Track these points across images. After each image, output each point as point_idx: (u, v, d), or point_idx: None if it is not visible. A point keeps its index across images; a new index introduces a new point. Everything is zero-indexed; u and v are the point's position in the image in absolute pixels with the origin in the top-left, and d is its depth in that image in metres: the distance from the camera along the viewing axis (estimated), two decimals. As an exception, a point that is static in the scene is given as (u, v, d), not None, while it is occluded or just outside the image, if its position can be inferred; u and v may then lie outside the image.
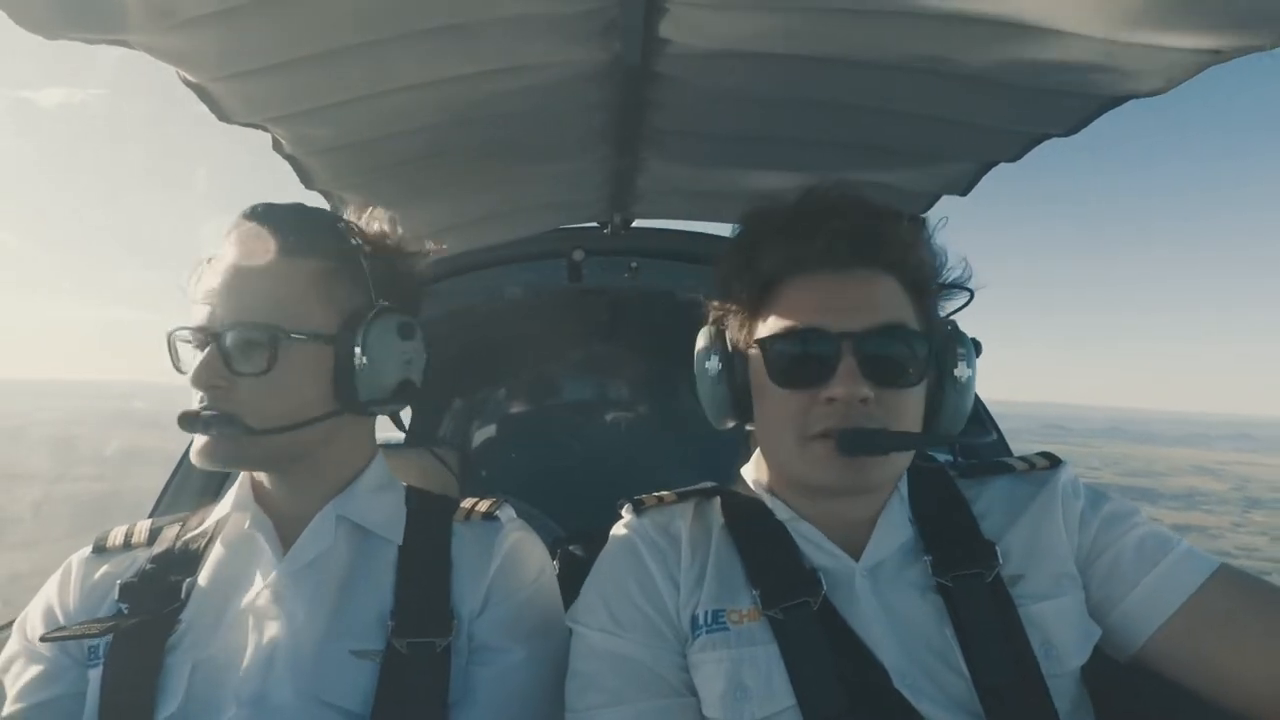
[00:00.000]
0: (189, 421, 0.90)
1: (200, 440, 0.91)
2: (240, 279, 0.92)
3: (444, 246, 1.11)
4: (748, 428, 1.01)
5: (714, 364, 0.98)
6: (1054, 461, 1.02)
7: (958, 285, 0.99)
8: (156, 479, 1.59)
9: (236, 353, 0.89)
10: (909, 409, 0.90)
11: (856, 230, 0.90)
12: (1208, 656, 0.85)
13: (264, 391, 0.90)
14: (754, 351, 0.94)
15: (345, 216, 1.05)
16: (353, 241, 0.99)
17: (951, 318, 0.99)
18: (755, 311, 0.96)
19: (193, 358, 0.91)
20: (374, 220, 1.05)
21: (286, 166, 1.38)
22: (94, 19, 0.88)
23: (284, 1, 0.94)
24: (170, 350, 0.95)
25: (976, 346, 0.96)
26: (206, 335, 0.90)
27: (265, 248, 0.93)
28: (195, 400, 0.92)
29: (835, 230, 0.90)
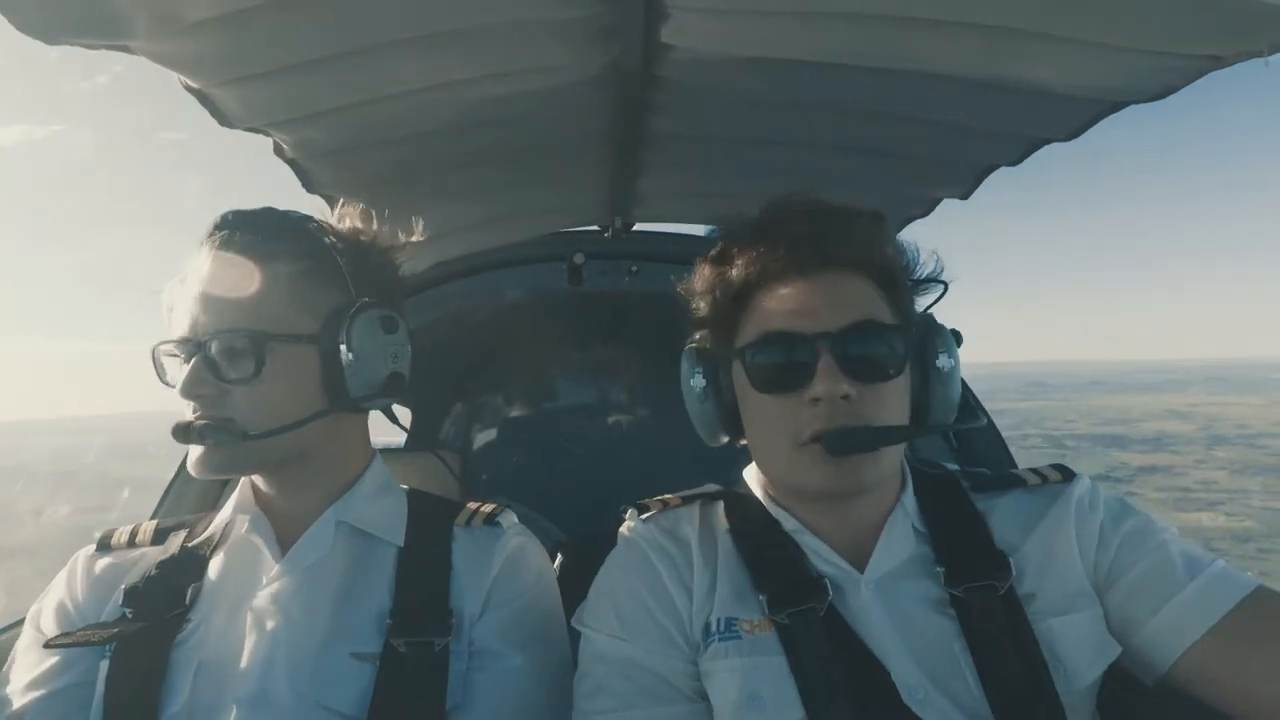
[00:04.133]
0: (183, 432, 0.91)
1: (196, 450, 0.92)
2: (219, 287, 0.92)
3: (421, 237, 1.11)
4: (741, 442, 1.01)
5: (698, 381, 0.99)
6: (1067, 475, 0.99)
7: (932, 279, 0.99)
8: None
9: (223, 360, 0.90)
10: (892, 404, 0.89)
11: (819, 233, 0.91)
12: (1242, 680, 0.81)
13: (255, 397, 0.91)
14: (735, 362, 0.94)
15: (316, 217, 1.04)
16: (326, 240, 0.99)
17: (929, 311, 0.99)
18: (731, 325, 0.96)
19: (179, 370, 0.92)
20: (346, 217, 1.05)
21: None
22: (95, 24, 0.88)
23: (286, 7, 0.94)
24: (155, 365, 0.96)
25: (957, 337, 0.96)
26: (191, 345, 0.91)
27: (241, 254, 0.93)
28: (188, 411, 0.92)
29: (798, 235, 0.90)
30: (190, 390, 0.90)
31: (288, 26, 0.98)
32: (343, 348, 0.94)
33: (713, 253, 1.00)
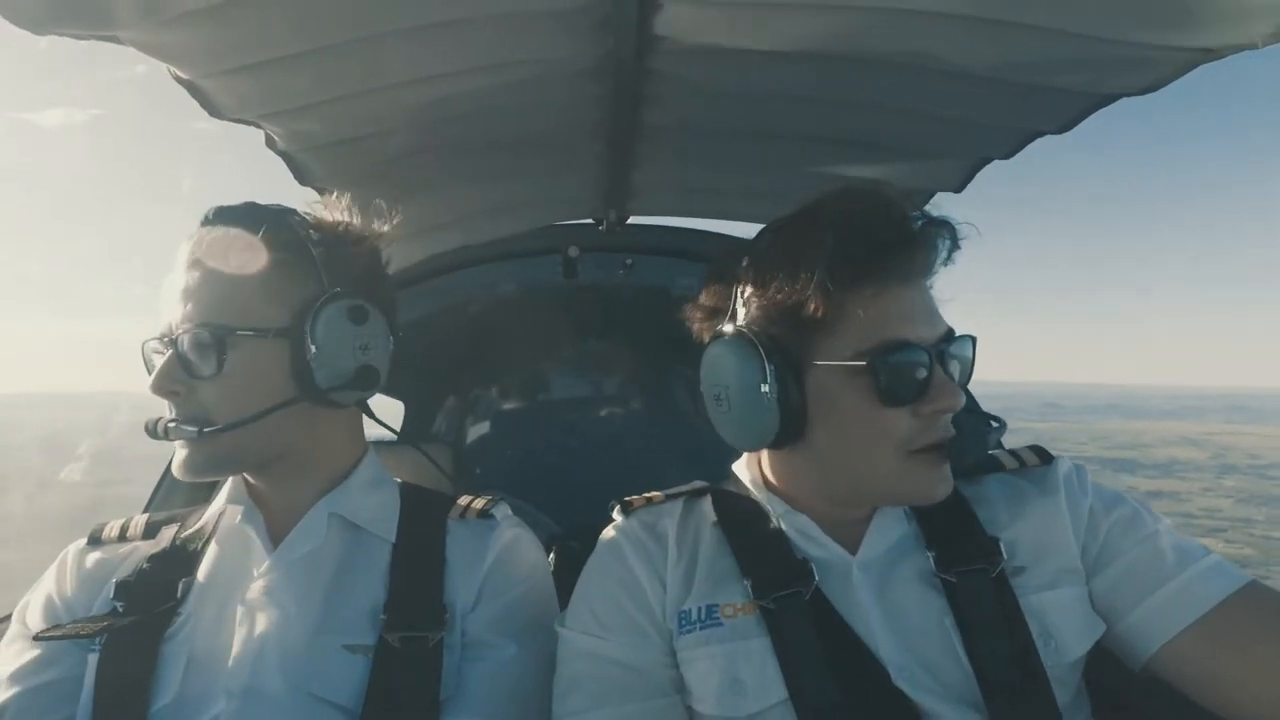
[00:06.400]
0: (151, 430, 0.92)
1: (179, 454, 0.92)
2: (194, 282, 0.92)
3: (395, 222, 1.07)
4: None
5: (771, 384, 0.85)
6: (1045, 457, 1.00)
7: None
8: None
9: (192, 356, 0.90)
10: None
11: (924, 238, 0.86)
12: (1223, 674, 0.81)
13: (220, 392, 0.91)
14: (840, 368, 0.84)
15: (300, 209, 1.03)
16: (302, 232, 0.98)
17: None
18: (825, 322, 0.84)
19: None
20: (331, 208, 1.04)
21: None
22: (83, 14, 0.88)
23: None
24: (145, 362, 0.96)
25: None
26: (167, 341, 0.92)
27: (216, 248, 0.93)
28: (166, 411, 0.93)
29: (919, 240, 0.85)
30: (160, 386, 0.90)
31: (277, 17, 0.97)
32: (307, 339, 0.93)
33: (798, 237, 0.88)
